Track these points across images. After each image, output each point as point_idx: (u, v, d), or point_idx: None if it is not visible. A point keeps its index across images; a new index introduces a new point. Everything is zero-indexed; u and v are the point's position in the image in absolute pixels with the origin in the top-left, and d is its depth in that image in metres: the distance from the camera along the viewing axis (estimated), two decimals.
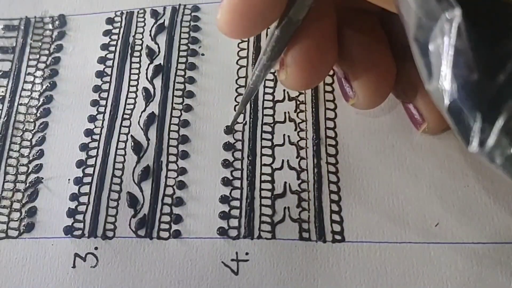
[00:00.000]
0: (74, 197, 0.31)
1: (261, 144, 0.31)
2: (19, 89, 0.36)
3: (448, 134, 0.30)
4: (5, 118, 0.35)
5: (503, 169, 0.15)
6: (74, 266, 0.30)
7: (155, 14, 0.37)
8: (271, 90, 0.33)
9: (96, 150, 0.33)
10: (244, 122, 0.32)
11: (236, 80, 0.34)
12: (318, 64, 0.25)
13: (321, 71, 0.26)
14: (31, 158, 0.33)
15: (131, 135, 0.33)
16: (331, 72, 0.33)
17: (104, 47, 0.36)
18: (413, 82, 0.27)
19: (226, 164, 0.31)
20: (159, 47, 0.36)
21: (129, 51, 0.36)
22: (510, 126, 0.14)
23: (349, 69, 0.27)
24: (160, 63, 0.35)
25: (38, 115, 0.34)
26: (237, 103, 0.33)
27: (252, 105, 0.33)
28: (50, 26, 0.38)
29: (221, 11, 0.23)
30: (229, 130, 0.32)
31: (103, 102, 0.34)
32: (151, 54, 0.35)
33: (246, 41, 0.35)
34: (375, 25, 0.27)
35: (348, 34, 0.26)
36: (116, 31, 0.37)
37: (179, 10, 0.37)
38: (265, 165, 0.31)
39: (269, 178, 0.30)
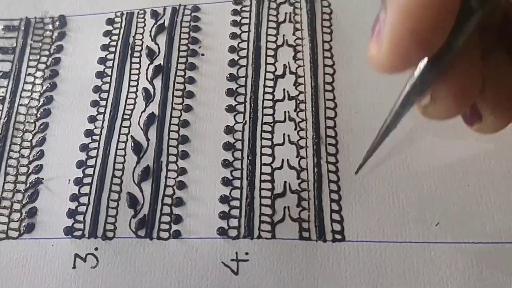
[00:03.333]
0: (74, 197, 0.31)
1: (261, 143, 0.31)
2: (20, 89, 0.36)
3: (448, 132, 0.30)
4: (6, 118, 0.35)
5: None
6: (74, 267, 0.30)
7: (155, 14, 0.37)
8: (271, 90, 0.33)
9: (96, 150, 0.33)
10: (244, 122, 0.32)
11: (236, 80, 0.34)
12: (468, 96, 0.22)
13: (470, 101, 0.23)
14: (31, 159, 0.33)
15: (131, 136, 0.33)
16: (331, 71, 0.33)
17: (104, 47, 0.36)
18: None
19: (226, 164, 0.31)
20: (159, 48, 0.36)
21: (129, 51, 0.36)
22: None
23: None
24: (160, 64, 0.35)
25: (39, 115, 0.34)
26: (237, 103, 0.33)
27: (252, 105, 0.32)
28: (50, 27, 0.38)
29: (378, 47, 0.19)
30: (356, 172, 0.30)
31: (103, 103, 0.34)
32: (151, 55, 0.35)
33: (246, 41, 0.35)
34: (497, 44, 0.24)
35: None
36: (116, 31, 0.37)
37: (179, 10, 0.37)
38: (265, 164, 0.31)
39: (269, 177, 0.30)
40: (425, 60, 0.20)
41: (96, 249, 0.30)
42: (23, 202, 0.32)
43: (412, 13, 0.18)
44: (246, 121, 0.32)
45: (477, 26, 0.19)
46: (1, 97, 0.36)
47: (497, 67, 0.24)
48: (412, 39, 0.18)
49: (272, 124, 0.32)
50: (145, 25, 0.37)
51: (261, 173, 0.31)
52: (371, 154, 0.28)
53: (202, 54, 0.35)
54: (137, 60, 0.36)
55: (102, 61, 0.36)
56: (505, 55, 0.24)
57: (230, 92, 0.33)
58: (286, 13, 0.35)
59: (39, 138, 0.34)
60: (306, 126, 0.31)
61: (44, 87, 0.36)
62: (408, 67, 0.20)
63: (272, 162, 0.31)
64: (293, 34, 0.35)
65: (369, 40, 0.20)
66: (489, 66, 0.23)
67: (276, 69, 0.34)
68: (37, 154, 0.33)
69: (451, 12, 0.18)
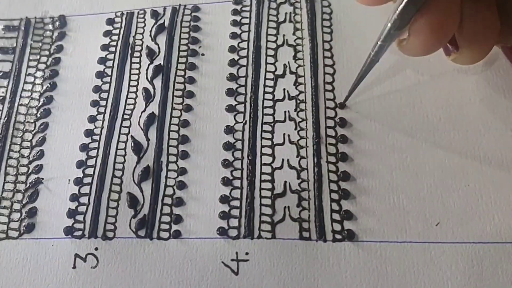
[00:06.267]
0: (74, 197, 0.31)
1: (261, 143, 0.31)
2: (20, 89, 0.36)
3: (448, 132, 0.30)
4: (6, 118, 0.35)
5: None
6: (74, 267, 0.30)
7: (155, 14, 0.37)
8: (271, 90, 0.33)
9: (96, 150, 0.33)
10: (244, 122, 0.32)
11: (236, 80, 0.34)
12: (444, 31, 0.25)
13: (446, 37, 0.26)
14: (31, 159, 0.33)
15: (131, 135, 0.33)
16: (331, 71, 0.33)
17: (104, 47, 0.36)
18: None
19: (226, 164, 0.31)
20: (159, 48, 0.36)
21: (129, 51, 0.36)
22: None
23: None
24: (160, 63, 0.35)
25: (39, 115, 0.34)
26: (237, 103, 0.33)
27: (252, 105, 0.32)
28: (50, 27, 0.38)
29: None
30: (342, 105, 0.32)
31: (103, 103, 0.34)
32: (151, 55, 0.35)
33: (246, 40, 0.35)
34: None
35: None
36: (116, 31, 0.37)
37: (179, 10, 0.37)
38: (265, 164, 0.31)
39: (269, 177, 0.30)
40: None
41: (96, 249, 0.30)
42: (23, 202, 0.32)
43: None
44: (246, 121, 0.32)
45: None
46: (1, 97, 0.36)
47: (477, 7, 0.25)
48: None
49: (272, 124, 0.32)
50: (145, 25, 0.37)
51: (261, 173, 0.31)
52: (356, 87, 0.30)
53: (202, 54, 0.35)
54: (137, 60, 0.36)
55: (102, 61, 0.36)
56: None
57: (230, 92, 0.33)
58: (286, 13, 0.35)
59: (39, 138, 0.34)
60: (306, 126, 0.31)
61: (44, 87, 0.36)
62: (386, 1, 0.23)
63: (272, 162, 0.31)
64: (293, 34, 0.35)
65: None
66: (468, 2, 0.25)
67: (276, 69, 0.34)
68: (37, 154, 0.33)
69: None
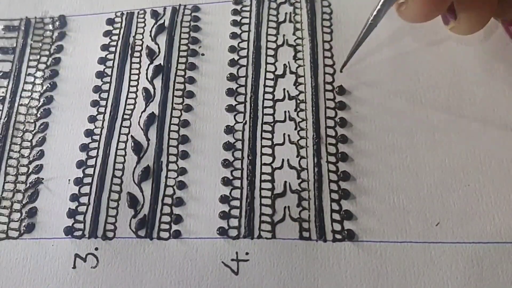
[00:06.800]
0: (74, 197, 0.31)
1: (261, 143, 0.31)
2: (20, 89, 0.36)
3: (448, 132, 0.30)
4: (6, 118, 0.35)
5: None
6: (74, 267, 0.30)
7: (155, 14, 0.37)
8: (271, 90, 0.33)
9: (96, 150, 0.33)
10: (244, 122, 0.32)
11: (236, 80, 0.34)
12: None
13: (444, 3, 0.26)
14: (31, 159, 0.33)
15: (131, 135, 0.33)
16: (331, 71, 0.33)
17: (105, 47, 0.36)
18: None
19: (226, 164, 0.31)
20: (159, 48, 0.36)
21: (129, 51, 0.36)
22: None
23: None
24: (160, 63, 0.35)
25: (39, 115, 0.35)
26: (237, 103, 0.33)
27: (252, 105, 0.32)
28: (50, 27, 0.38)
29: None
30: (340, 70, 0.33)
31: (103, 103, 0.34)
32: (151, 55, 0.35)
33: (246, 40, 0.35)
34: None
35: None
36: (117, 31, 0.37)
37: (179, 10, 0.37)
38: (265, 164, 0.31)
39: (269, 177, 0.30)
40: None
41: (96, 249, 0.30)
42: (23, 202, 0.32)
43: None
44: (246, 121, 0.32)
45: None
46: (1, 97, 0.36)
47: None
48: None
49: (272, 124, 0.32)
50: (145, 25, 0.37)
51: (261, 173, 0.31)
52: (354, 52, 0.31)
53: (202, 54, 0.35)
54: (137, 60, 0.36)
55: (102, 61, 0.36)
56: None
57: (230, 92, 0.33)
58: (286, 13, 0.35)
59: (39, 138, 0.34)
60: (306, 126, 0.31)
61: (44, 87, 0.36)
62: None
63: (272, 162, 0.31)
64: (293, 34, 0.35)
65: None
66: None
67: (276, 69, 0.34)
68: (37, 154, 0.33)
69: None
